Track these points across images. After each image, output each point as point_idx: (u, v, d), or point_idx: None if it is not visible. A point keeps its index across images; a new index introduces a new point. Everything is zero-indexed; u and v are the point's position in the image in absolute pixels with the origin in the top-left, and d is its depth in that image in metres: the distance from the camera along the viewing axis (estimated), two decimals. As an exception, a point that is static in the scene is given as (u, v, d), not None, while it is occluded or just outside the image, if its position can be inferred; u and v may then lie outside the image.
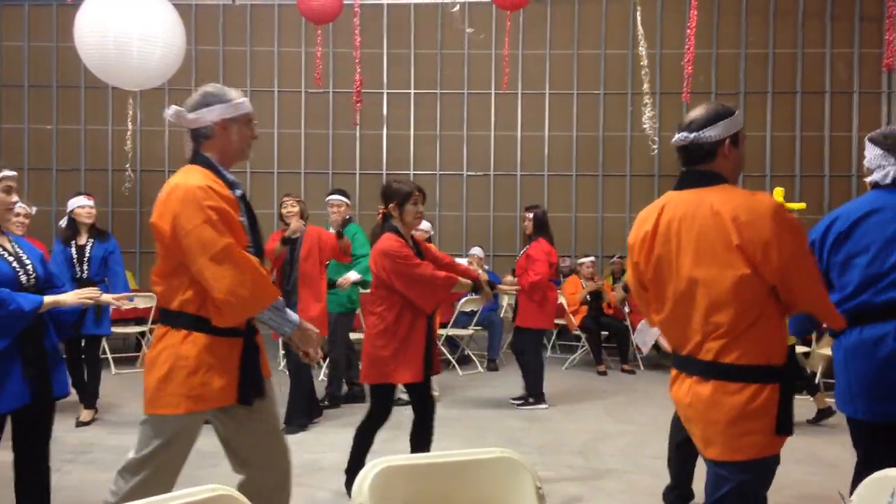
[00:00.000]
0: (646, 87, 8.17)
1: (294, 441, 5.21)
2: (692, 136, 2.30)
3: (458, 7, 8.84)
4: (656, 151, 8.80)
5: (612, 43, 11.62)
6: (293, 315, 2.54)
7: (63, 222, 5.80)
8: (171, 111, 2.49)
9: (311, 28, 10.41)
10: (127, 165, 9.53)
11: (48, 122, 11.70)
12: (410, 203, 3.75)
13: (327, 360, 6.55)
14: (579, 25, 11.71)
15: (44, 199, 11.24)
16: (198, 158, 2.51)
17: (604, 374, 8.09)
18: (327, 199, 6.44)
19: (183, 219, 2.33)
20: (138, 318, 8.22)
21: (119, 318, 7.99)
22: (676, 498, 3.83)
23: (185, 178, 2.42)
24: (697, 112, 2.33)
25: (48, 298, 2.90)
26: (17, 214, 5.03)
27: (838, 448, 5.11)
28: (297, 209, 5.65)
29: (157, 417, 2.48)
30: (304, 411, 5.57)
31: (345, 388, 6.51)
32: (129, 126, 8.84)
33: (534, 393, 6.45)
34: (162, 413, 2.46)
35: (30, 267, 2.99)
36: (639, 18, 8.10)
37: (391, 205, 3.77)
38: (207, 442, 5.11)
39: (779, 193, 3.98)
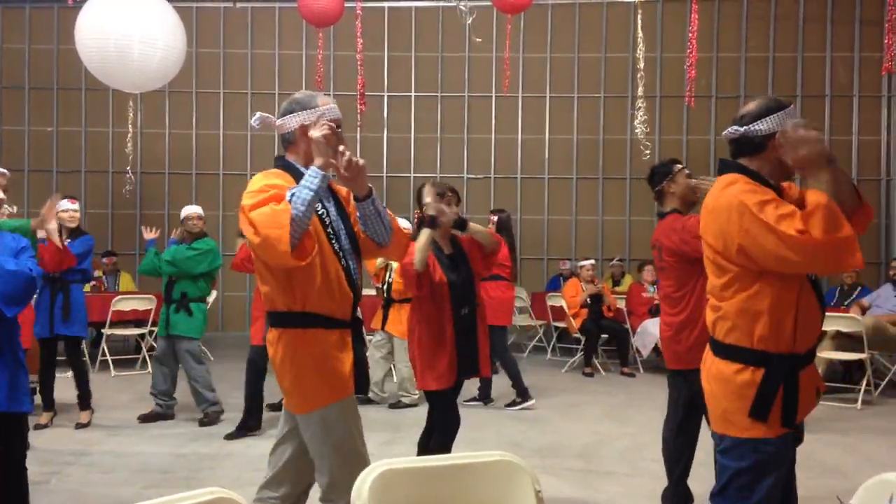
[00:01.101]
0: (641, 91, 8.18)
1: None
2: (742, 129, 2.33)
3: (470, 16, 8.80)
4: (648, 156, 8.80)
5: (613, 46, 11.63)
6: (308, 181, 2.37)
7: None
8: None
9: (311, 31, 10.43)
10: (127, 168, 9.56)
11: (49, 124, 11.72)
12: (443, 204, 3.68)
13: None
14: (580, 29, 11.72)
15: (44, 201, 11.20)
16: (277, 161, 2.64)
17: (590, 375, 8.09)
18: None
19: (251, 212, 2.37)
20: (138, 319, 8.22)
21: (119, 321, 7.99)
22: (677, 500, 3.82)
23: (255, 178, 2.52)
24: (750, 106, 2.36)
25: None
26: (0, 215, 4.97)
27: (838, 451, 5.11)
28: None
29: (315, 416, 2.49)
30: (258, 416, 5.50)
31: None
32: (130, 128, 8.86)
33: (518, 391, 6.48)
34: (312, 410, 2.49)
35: None
36: (639, 22, 8.11)
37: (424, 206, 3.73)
38: (206, 444, 5.14)
39: None
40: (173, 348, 5.79)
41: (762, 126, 2.29)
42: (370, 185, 2.56)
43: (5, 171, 3.03)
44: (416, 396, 6.34)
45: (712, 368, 2.33)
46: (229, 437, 5.28)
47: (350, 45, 9.43)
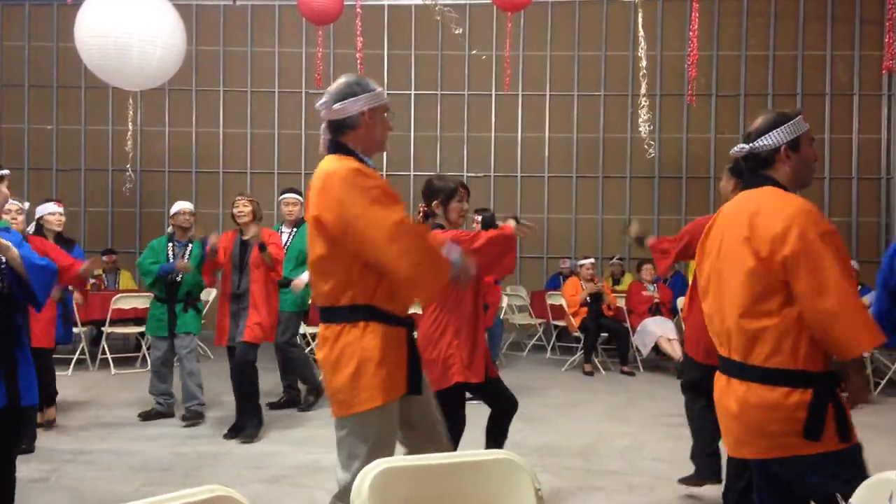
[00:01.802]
0: (644, 89, 8.17)
1: (293, 441, 5.22)
2: (748, 147, 2.37)
3: (459, 28, 8.76)
4: (653, 154, 8.79)
5: (613, 45, 11.62)
6: (456, 254, 2.51)
7: (31, 228, 5.54)
8: (320, 102, 2.50)
9: (311, 28, 10.42)
10: (127, 166, 9.54)
11: (48, 122, 11.71)
12: (455, 200, 3.60)
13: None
14: (580, 27, 11.71)
15: (44, 199, 11.21)
16: (339, 148, 2.50)
17: (590, 374, 8.08)
18: (281, 197, 6.39)
19: (349, 204, 2.33)
20: (137, 318, 8.20)
21: (119, 319, 7.99)
22: (704, 461, 3.93)
23: (335, 165, 2.41)
24: (757, 122, 2.39)
25: None
26: (8, 211, 4.93)
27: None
28: (249, 209, 5.37)
29: (357, 417, 2.41)
30: (256, 419, 5.31)
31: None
32: (130, 126, 8.85)
33: None
34: (362, 410, 2.40)
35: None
36: (640, 20, 8.10)
37: (434, 202, 3.60)
38: (206, 442, 5.14)
39: None
40: (173, 347, 5.77)
41: (767, 141, 2.33)
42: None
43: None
44: None
45: (749, 397, 2.22)
46: (228, 436, 5.27)
47: (350, 43, 9.42)
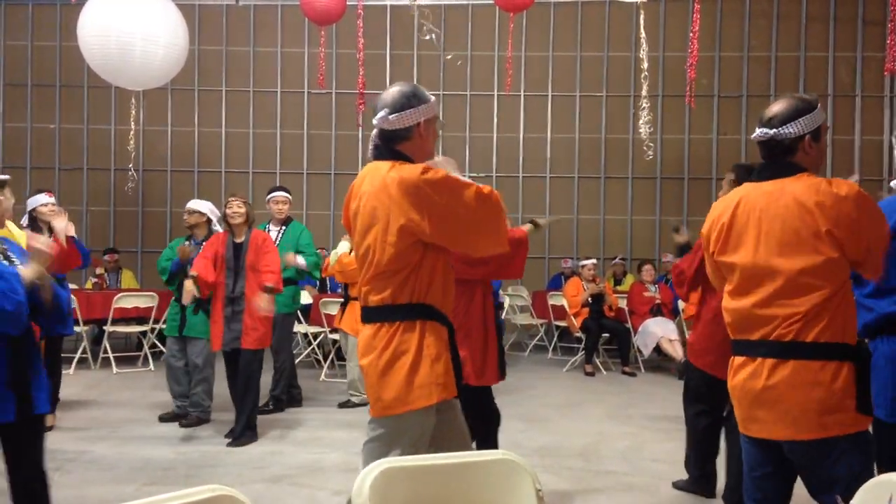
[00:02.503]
0: (644, 90, 8.16)
1: (294, 441, 5.23)
2: (772, 132, 2.30)
3: (432, 34, 8.74)
4: (651, 156, 8.79)
5: (615, 45, 11.62)
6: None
7: (24, 221, 5.48)
8: (378, 116, 2.49)
9: (314, 29, 10.42)
10: (129, 165, 9.55)
11: (51, 121, 11.72)
12: None
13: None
14: (582, 28, 11.71)
15: (46, 198, 11.22)
16: (396, 155, 2.49)
17: (591, 374, 8.08)
18: (270, 195, 6.36)
19: (435, 196, 2.37)
20: (140, 317, 8.22)
21: (120, 318, 8.00)
22: (700, 476, 4.01)
23: (398, 169, 2.40)
24: (778, 107, 2.33)
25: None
26: None
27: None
28: (242, 210, 5.23)
29: (402, 417, 2.39)
30: (252, 423, 5.20)
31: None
32: (132, 126, 8.86)
33: None
34: (415, 408, 2.38)
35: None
36: (641, 21, 8.10)
37: None
38: (207, 442, 5.14)
39: None
40: (186, 348, 5.76)
41: (792, 129, 2.28)
42: None
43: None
44: (366, 395, 6.12)
45: (804, 375, 2.20)
46: (227, 437, 5.24)
47: (352, 43, 9.42)
